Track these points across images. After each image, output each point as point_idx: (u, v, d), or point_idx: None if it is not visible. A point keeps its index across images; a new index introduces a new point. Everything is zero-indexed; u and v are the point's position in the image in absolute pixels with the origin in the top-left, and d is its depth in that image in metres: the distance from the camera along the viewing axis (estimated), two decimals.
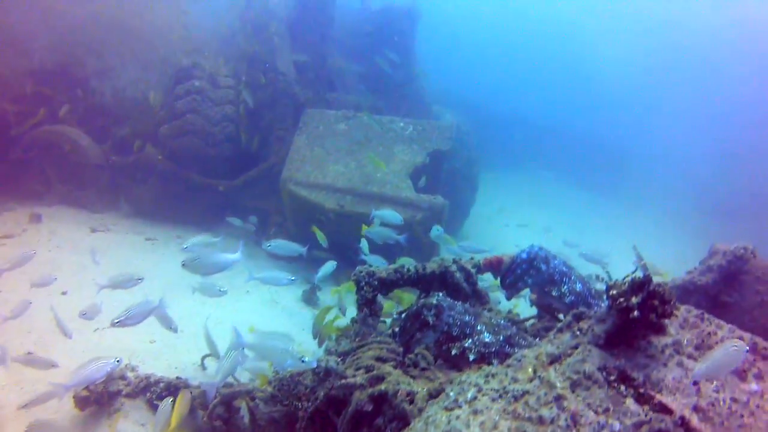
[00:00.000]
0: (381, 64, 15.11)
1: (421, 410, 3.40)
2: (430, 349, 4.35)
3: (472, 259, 5.96)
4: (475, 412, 2.76)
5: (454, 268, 5.52)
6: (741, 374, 3.02)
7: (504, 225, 18.30)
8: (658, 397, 2.82)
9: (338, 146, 11.01)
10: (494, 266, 5.82)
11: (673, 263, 8.35)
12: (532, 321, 5.81)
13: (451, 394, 2.96)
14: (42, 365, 5.73)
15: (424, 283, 5.60)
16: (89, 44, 12.93)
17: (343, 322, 7.29)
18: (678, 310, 3.26)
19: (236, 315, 8.80)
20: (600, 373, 2.91)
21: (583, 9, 41.26)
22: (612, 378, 2.91)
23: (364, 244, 8.52)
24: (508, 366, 3.11)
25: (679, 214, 21.11)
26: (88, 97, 12.73)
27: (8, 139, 11.80)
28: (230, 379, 5.96)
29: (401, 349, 4.44)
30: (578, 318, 3.40)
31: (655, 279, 3.06)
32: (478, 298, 5.62)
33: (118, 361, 5.03)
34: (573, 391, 2.84)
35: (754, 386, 2.97)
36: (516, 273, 4.71)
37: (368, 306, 5.41)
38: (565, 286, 4.65)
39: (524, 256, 4.73)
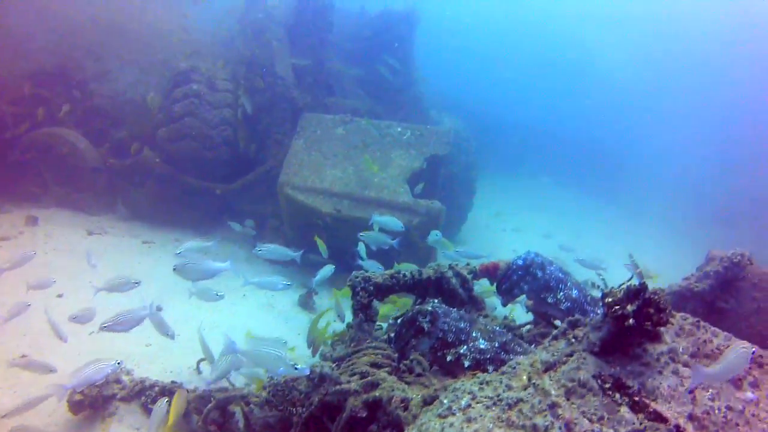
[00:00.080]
0: (382, 71, 15.11)
1: (415, 417, 3.39)
2: (425, 355, 4.33)
3: (468, 264, 5.96)
4: (469, 420, 2.75)
5: (450, 274, 5.51)
6: (736, 382, 3.01)
7: (501, 230, 18.29)
8: (653, 405, 2.81)
9: (336, 151, 11.00)
10: (490, 272, 5.81)
11: (669, 269, 8.35)
12: (528, 327, 5.80)
13: (445, 401, 2.94)
14: (40, 369, 5.71)
15: (420, 288, 5.59)
16: (88, 47, 12.93)
17: (341, 327, 7.28)
18: (674, 317, 3.25)
19: (232, 319, 8.78)
20: (595, 380, 2.90)
21: (583, 14, 41.34)
22: (607, 386, 2.90)
23: (361, 248, 8.51)
24: (503, 373, 3.10)
25: (677, 220, 21.14)
26: (86, 99, 12.71)
27: (5, 141, 11.77)
28: (226, 384, 5.96)
29: (396, 355, 4.42)
30: (573, 325, 3.39)
31: (646, 281, 3.06)
32: (474, 304, 5.61)
33: (118, 363, 5.03)
34: (568, 399, 2.83)
35: (749, 394, 2.96)
36: (512, 279, 4.70)
37: (364, 311, 5.39)
38: (561, 293, 4.64)
39: (520, 262, 4.72)
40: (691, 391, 2.90)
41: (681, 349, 3.12)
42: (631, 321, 2.99)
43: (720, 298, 5.68)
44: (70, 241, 10.55)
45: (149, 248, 11.13)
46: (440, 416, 2.84)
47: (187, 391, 5.53)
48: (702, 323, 3.34)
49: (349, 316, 5.97)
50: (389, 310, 7.17)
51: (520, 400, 2.82)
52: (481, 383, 3.03)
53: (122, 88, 12.92)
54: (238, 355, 4.83)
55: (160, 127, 12.01)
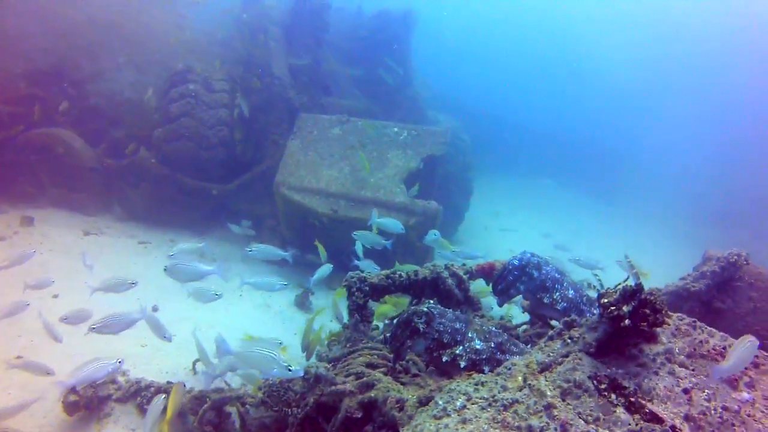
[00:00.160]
0: (383, 75, 15.10)
1: (410, 417, 3.38)
2: (421, 355, 4.32)
3: (464, 265, 5.95)
4: (464, 421, 2.73)
5: (446, 274, 5.51)
6: (732, 383, 3.00)
7: (499, 230, 18.29)
8: (649, 406, 2.80)
9: (332, 151, 10.98)
10: (486, 272, 5.81)
11: (666, 269, 8.36)
12: (524, 327, 5.79)
13: (440, 402, 2.93)
14: (38, 371, 5.68)
15: (416, 289, 5.59)
16: (85, 47, 12.88)
17: (338, 328, 7.27)
18: (670, 318, 3.24)
19: (229, 319, 8.77)
20: (591, 381, 2.89)
21: (582, 15, 41.38)
22: (603, 387, 2.88)
23: (358, 248, 8.51)
24: (498, 374, 3.09)
25: (675, 220, 21.17)
26: (83, 99, 12.66)
27: (1, 141, 11.72)
28: (221, 384, 5.94)
29: (392, 356, 4.41)
30: (569, 326, 3.38)
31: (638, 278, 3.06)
32: (470, 304, 5.60)
33: (119, 362, 5.04)
34: (563, 400, 2.82)
35: (745, 395, 2.95)
36: (508, 279, 4.68)
37: (359, 312, 5.38)
38: (557, 293, 4.63)
39: (516, 262, 4.70)
40: (686, 392, 2.89)
41: (677, 350, 3.11)
42: (627, 321, 2.98)
43: (717, 298, 5.69)
44: (66, 242, 10.52)
45: (145, 249, 11.11)
46: (435, 417, 2.83)
47: (184, 384, 5.51)
48: (698, 323, 3.33)
49: (346, 317, 5.97)
50: (388, 310, 7.17)
51: (516, 401, 2.81)
52: (476, 384, 3.02)
53: (119, 88, 12.87)
54: (231, 357, 4.84)
55: (156, 128, 11.98)
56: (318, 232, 10.22)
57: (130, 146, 12.23)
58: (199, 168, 11.96)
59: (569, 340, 3.24)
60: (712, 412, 2.83)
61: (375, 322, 5.96)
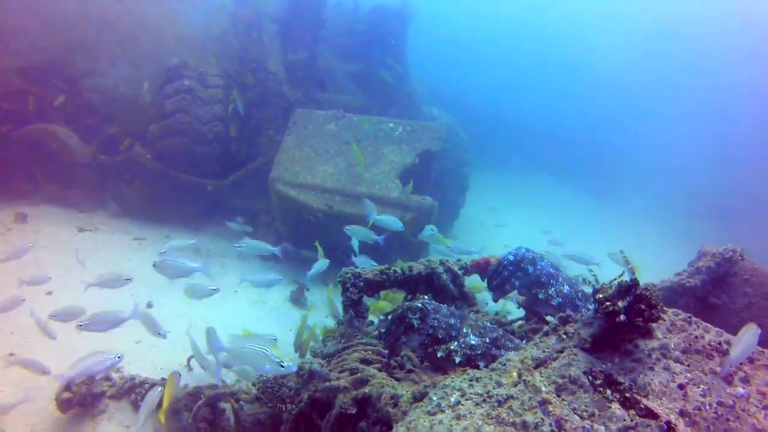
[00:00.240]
0: (384, 75, 15.06)
1: (405, 413, 3.36)
2: (415, 351, 4.31)
3: (459, 260, 5.94)
4: (458, 417, 2.72)
5: (440, 269, 5.49)
6: (727, 378, 3.00)
7: (494, 226, 18.29)
8: (645, 401, 2.79)
9: (327, 146, 10.95)
10: (481, 268, 5.79)
11: (662, 264, 8.36)
12: (519, 323, 5.79)
13: (434, 398, 2.91)
14: (35, 369, 5.65)
15: (410, 284, 5.57)
16: (78, 42, 12.80)
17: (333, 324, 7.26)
18: (665, 313, 3.23)
19: (223, 315, 8.74)
20: (586, 377, 2.88)
21: (580, 12, 41.36)
22: (598, 382, 2.87)
23: (354, 244, 8.49)
24: (493, 370, 3.07)
25: (670, 216, 21.20)
26: (77, 95, 12.60)
27: None
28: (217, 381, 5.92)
29: (387, 351, 4.40)
30: (564, 321, 3.37)
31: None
32: (465, 299, 5.59)
33: (119, 357, 5.03)
34: (558, 396, 2.80)
35: (740, 390, 2.95)
36: (503, 275, 4.66)
37: (354, 307, 5.36)
38: (552, 289, 4.61)
39: (511, 257, 4.69)
40: (682, 387, 2.89)
41: (672, 345, 3.10)
42: (622, 317, 2.97)
43: (712, 293, 5.69)
44: (60, 239, 10.48)
45: (140, 245, 11.06)
46: (429, 413, 2.81)
47: (179, 374, 5.50)
48: (694, 319, 3.32)
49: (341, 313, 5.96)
50: (386, 306, 7.17)
51: (510, 396, 2.79)
52: (470, 380, 3.00)
53: (113, 83, 12.80)
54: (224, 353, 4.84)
55: (151, 123, 11.93)
56: (313, 227, 10.20)
57: (124, 142, 12.19)
58: (194, 164, 11.92)
59: (564, 336, 3.22)
60: (707, 407, 2.82)
61: (370, 318, 5.94)
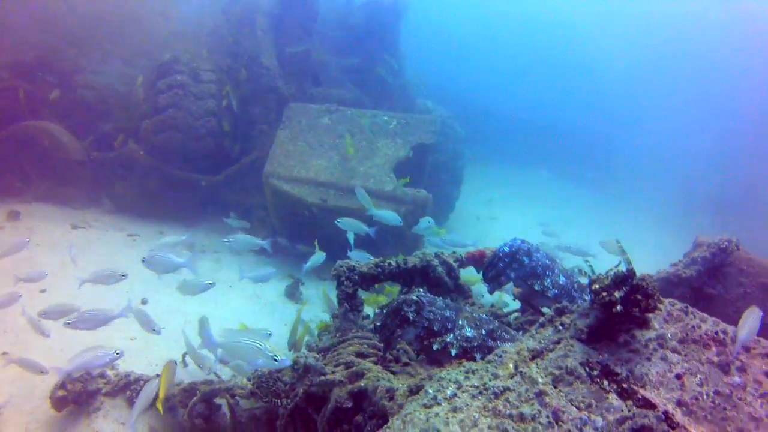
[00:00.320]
0: (381, 72, 15.01)
1: (401, 406, 3.34)
2: (411, 344, 4.29)
3: (454, 253, 5.92)
4: (455, 410, 2.70)
5: (435, 262, 5.47)
6: (724, 367, 2.99)
7: (489, 218, 18.29)
8: (642, 392, 2.77)
9: (321, 140, 10.91)
10: (477, 260, 5.78)
11: (657, 255, 8.36)
12: (515, 314, 5.77)
13: (430, 391, 2.89)
14: (32, 368, 5.61)
15: (406, 277, 5.55)
16: (70, 38, 12.73)
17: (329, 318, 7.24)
18: (662, 303, 3.22)
19: (218, 310, 8.70)
20: (583, 368, 2.86)
21: (578, 4, 41.26)
22: (595, 373, 2.86)
23: (350, 237, 8.46)
24: (489, 362, 3.05)
25: (666, 207, 21.22)
26: (69, 92, 12.52)
27: None
28: (212, 376, 5.89)
29: (382, 345, 4.37)
30: (561, 312, 3.35)
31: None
32: (461, 292, 5.57)
33: (118, 353, 5.00)
34: (555, 387, 2.79)
35: (737, 379, 2.94)
36: (498, 267, 4.64)
37: (349, 301, 5.34)
38: (548, 280, 4.60)
39: (506, 249, 4.66)
40: (679, 377, 2.88)
41: (669, 335, 3.09)
42: (618, 307, 2.95)
43: (707, 284, 5.70)
44: (54, 236, 10.42)
45: (134, 241, 11.01)
46: (425, 406, 2.79)
47: (175, 363, 5.46)
48: (690, 309, 3.31)
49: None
50: (383, 300, 7.16)
51: (507, 388, 2.78)
52: (467, 372, 2.98)
53: (106, 80, 12.74)
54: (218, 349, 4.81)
55: (144, 119, 11.87)
56: (307, 222, 10.17)
57: (118, 138, 12.12)
58: (187, 159, 11.87)
59: (561, 327, 3.21)
60: (705, 397, 2.81)
61: (366, 310, 5.93)
